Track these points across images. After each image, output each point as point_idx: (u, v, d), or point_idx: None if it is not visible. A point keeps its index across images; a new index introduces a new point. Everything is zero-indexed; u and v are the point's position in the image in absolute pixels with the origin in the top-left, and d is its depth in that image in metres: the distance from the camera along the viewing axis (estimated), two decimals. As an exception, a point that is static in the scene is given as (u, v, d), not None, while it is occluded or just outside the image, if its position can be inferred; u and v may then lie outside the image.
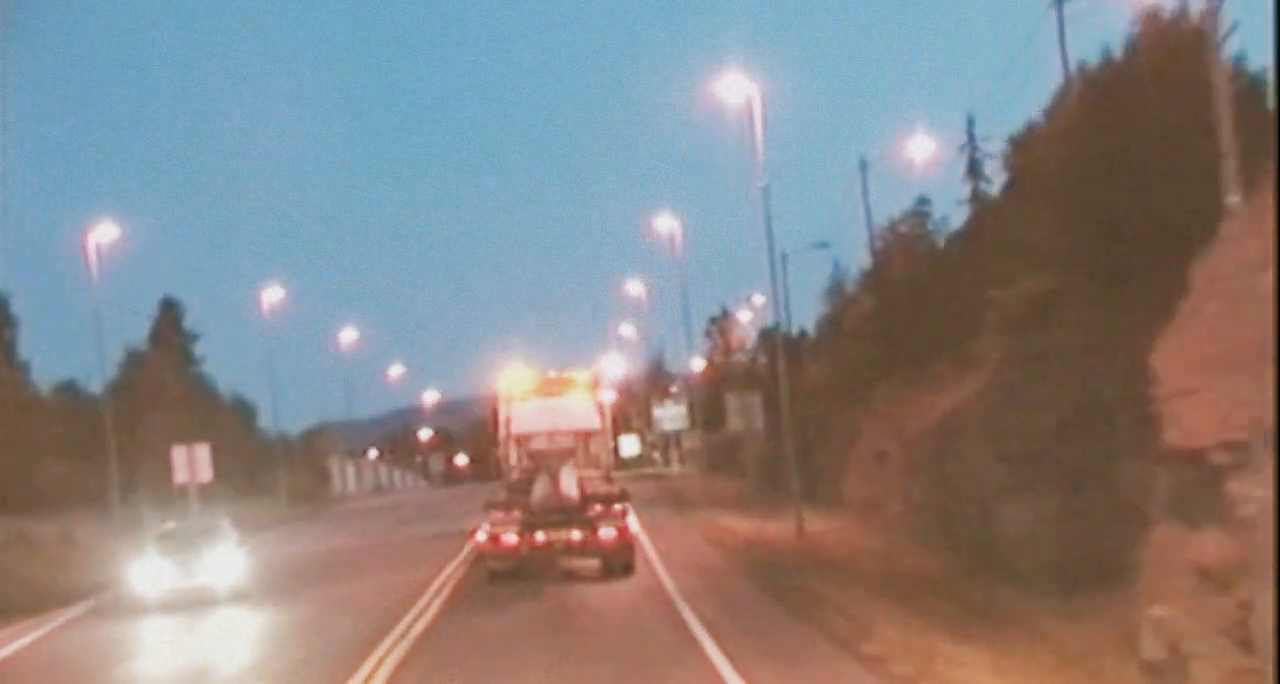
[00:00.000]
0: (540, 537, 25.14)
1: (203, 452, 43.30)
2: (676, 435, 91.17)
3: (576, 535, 25.16)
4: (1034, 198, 28.44)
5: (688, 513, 37.79)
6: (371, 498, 75.64)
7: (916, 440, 29.34)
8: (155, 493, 46.63)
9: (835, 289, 54.93)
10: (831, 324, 53.12)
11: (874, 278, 46.24)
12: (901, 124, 55.85)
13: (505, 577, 24.87)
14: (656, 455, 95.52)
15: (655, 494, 48.66)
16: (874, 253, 47.44)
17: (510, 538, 25.13)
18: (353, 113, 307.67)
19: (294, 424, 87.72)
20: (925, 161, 47.67)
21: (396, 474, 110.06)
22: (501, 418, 28.24)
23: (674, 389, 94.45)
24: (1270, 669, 10.86)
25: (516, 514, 25.42)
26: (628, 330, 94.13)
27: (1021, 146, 30.40)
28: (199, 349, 74.20)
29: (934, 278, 38.90)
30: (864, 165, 48.10)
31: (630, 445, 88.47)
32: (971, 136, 57.64)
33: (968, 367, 31.09)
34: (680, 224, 53.53)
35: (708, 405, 77.43)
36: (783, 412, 31.80)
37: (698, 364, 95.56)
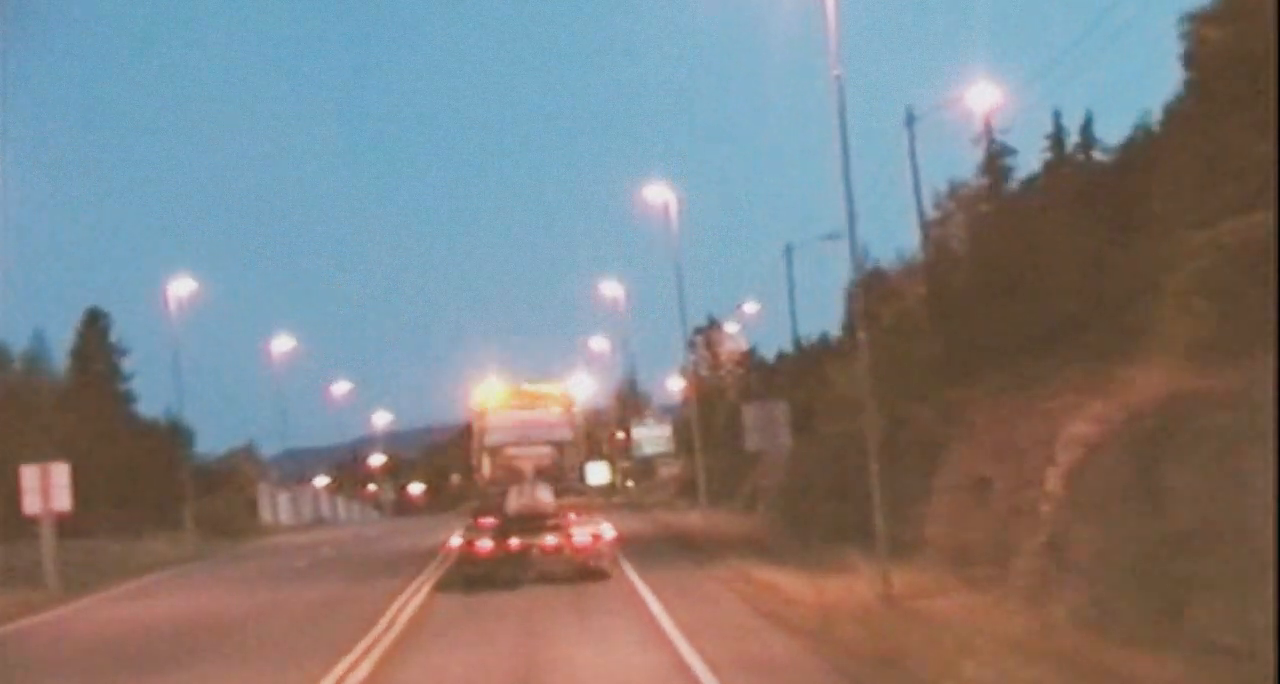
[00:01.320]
0: (515, 542, 25.68)
1: (60, 473, 33.40)
2: (652, 461, 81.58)
3: (551, 540, 25.73)
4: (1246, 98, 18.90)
5: (706, 562, 27.72)
6: (306, 531, 65.09)
7: (1073, 464, 19.42)
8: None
9: (866, 280, 45.20)
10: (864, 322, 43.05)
11: (930, 258, 36.48)
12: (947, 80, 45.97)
13: (480, 581, 25.18)
14: (630, 484, 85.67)
15: (651, 533, 38.67)
16: (925, 227, 37.66)
17: (485, 544, 25.66)
18: (308, 121, 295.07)
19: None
20: (989, 114, 37.89)
21: (341, 504, 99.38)
22: (476, 430, 28.76)
23: (648, 410, 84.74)
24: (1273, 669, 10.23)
25: (491, 520, 25.99)
26: (600, 344, 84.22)
27: (1216, 19, 20.47)
28: (128, 365, 65.54)
29: (1024, 248, 29.16)
30: (911, 119, 38.34)
31: (599, 473, 78.25)
32: (988, 126, 49.75)
33: (1110, 354, 21.67)
34: (675, 196, 43.26)
35: (691, 426, 68.17)
36: (871, 416, 21.67)
37: (676, 382, 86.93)
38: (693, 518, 42.66)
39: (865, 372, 21.24)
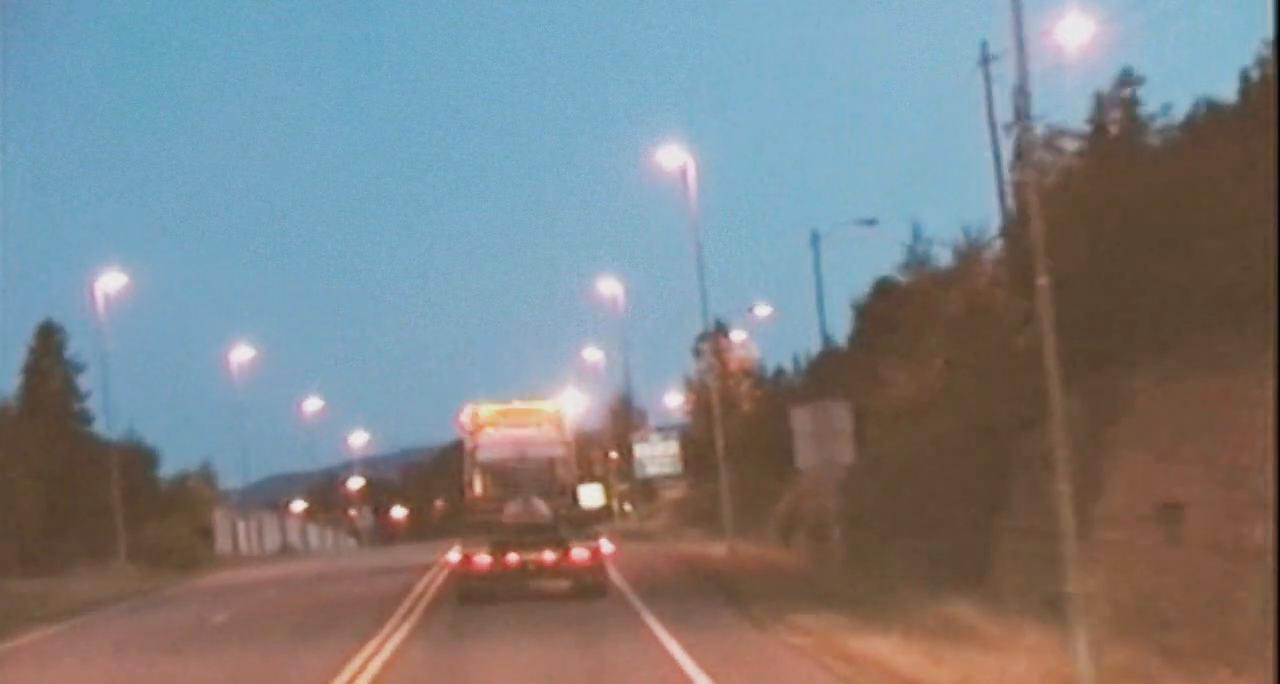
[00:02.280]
0: (513, 557, 25.71)
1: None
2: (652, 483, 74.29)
3: (549, 556, 25.76)
4: None
5: (763, 617, 20.62)
6: (266, 563, 57.57)
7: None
8: None
9: (917, 263, 38.17)
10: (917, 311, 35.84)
11: (1016, 224, 29.31)
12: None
13: (478, 598, 25.33)
14: (629, 508, 78.43)
15: (672, 570, 31.50)
16: (1007, 188, 30.60)
17: (483, 559, 25.73)
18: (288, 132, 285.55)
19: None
20: (1083, 48, 30.77)
21: (315, 531, 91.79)
22: (467, 448, 28.80)
23: (644, 428, 77.50)
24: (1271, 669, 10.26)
25: (488, 536, 25.97)
26: (593, 354, 77.25)
27: None
28: (85, 383, 59.61)
29: (1172, 201, 21.94)
30: (986, 58, 31.39)
31: (593, 495, 70.75)
32: (1019, 113, 43.48)
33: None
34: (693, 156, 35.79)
35: (704, 442, 61.35)
36: (1056, 418, 14.31)
37: (674, 398, 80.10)
38: (716, 550, 35.47)
39: (1047, 333, 13.84)
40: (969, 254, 32.69)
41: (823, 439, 25.30)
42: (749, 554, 32.81)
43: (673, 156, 35.77)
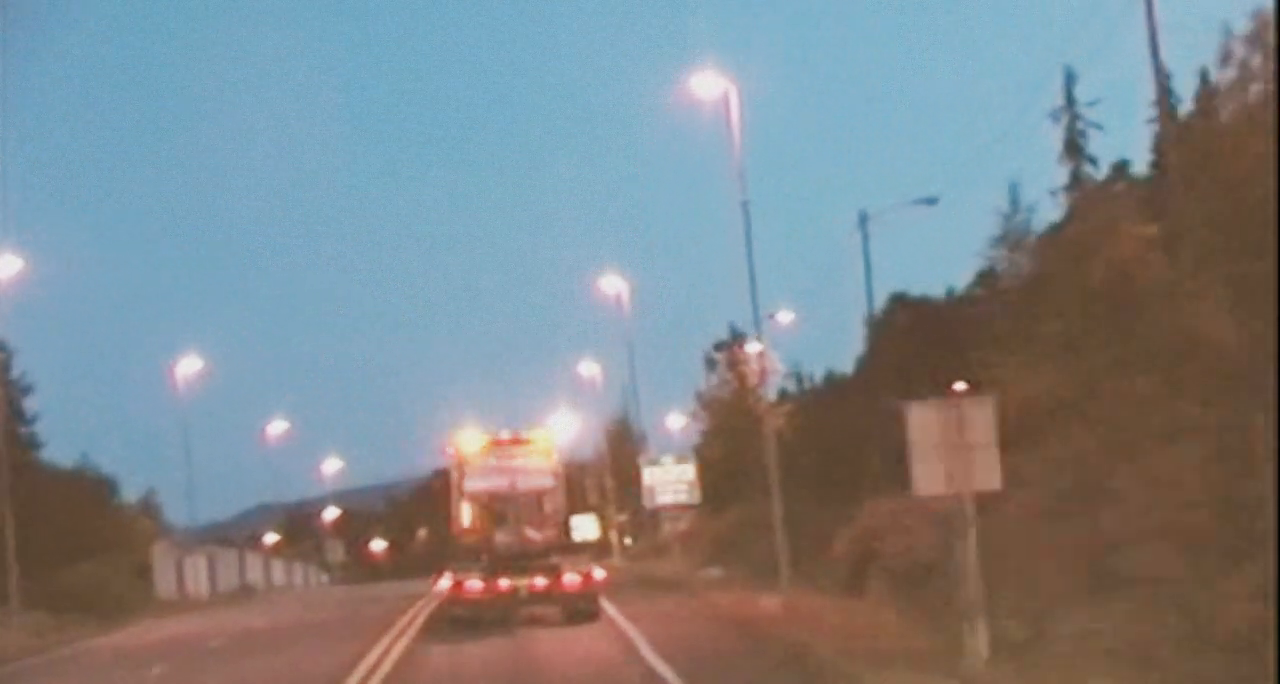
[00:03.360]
0: (504, 583, 26.51)
1: None
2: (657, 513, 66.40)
3: (541, 582, 26.63)
4: None
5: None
6: (203, 611, 49.27)
7: None
8: None
9: (1018, 234, 30.51)
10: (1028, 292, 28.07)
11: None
12: None
13: (468, 623, 25.79)
14: (629, 541, 70.86)
15: (721, 637, 23.53)
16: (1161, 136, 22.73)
17: (474, 584, 26.55)
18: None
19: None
20: None
21: (281, 567, 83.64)
22: (454, 478, 28.75)
23: (644, 451, 69.80)
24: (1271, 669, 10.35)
25: (480, 561, 26.80)
26: (590, 369, 70.13)
27: None
28: (33, 405, 54.21)
29: None
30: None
31: (587, 527, 62.37)
32: (1070, 99, 39.06)
33: None
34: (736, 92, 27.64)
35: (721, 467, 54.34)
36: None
37: (677, 420, 73.11)
38: (766, 604, 27.40)
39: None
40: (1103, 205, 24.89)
41: (956, 454, 17.12)
42: (812, 610, 24.70)
43: (710, 86, 27.44)
